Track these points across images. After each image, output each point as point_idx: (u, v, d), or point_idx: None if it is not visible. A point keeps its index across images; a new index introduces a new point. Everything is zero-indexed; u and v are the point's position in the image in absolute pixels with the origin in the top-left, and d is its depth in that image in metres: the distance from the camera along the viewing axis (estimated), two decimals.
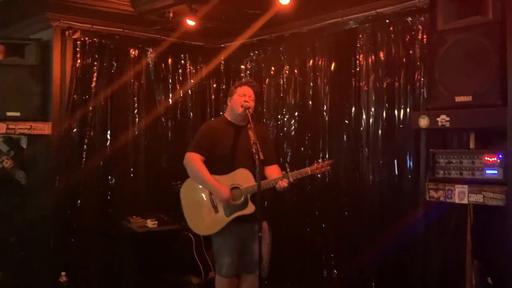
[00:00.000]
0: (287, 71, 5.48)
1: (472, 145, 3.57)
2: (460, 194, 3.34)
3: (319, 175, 4.18)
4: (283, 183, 3.78)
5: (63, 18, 5.09)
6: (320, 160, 3.96)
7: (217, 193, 3.87)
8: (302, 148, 5.30)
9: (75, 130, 5.21)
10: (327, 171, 3.96)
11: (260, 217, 3.56)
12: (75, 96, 5.19)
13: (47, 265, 5.08)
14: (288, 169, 3.84)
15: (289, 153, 5.41)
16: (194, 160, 3.94)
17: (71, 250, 5.15)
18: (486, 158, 3.30)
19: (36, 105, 5.01)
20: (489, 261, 3.55)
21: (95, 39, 5.33)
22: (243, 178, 3.89)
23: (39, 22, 5.20)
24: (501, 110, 3.19)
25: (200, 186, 4.00)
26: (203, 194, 3.99)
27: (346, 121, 4.90)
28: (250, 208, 3.85)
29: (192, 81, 6.10)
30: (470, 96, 3.35)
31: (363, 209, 4.70)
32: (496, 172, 3.26)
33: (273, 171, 4.01)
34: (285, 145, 5.45)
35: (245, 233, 3.93)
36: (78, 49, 5.20)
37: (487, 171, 3.29)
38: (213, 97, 6.27)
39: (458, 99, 3.40)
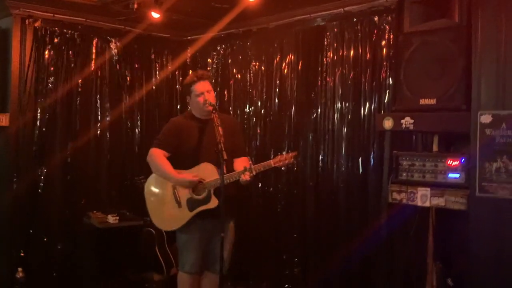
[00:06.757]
0: (254, 66, 5.42)
1: (435, 147, 3.58)
2: (423, 197, 3.36)
3: (283, 168, 4.08)
4: (246, 177, 3.72)
5: (24, 6, 4.92)
6: (284, 153, 3.90)
7: (182, 182, 3.84)
8: (267, 143, 5.27)
9: (34, 122, 5.05)
10: (291, 163, 3.83)
11: (223, 216, 3.48)
12: (34, 87, 5.02)
13: (4, 260, 4.95)
14: (250, 162, 3.81)
15: (255, 148, 5.36)
16: (156, 156, 3.94)
17: (29, 246, 5.02)
18: (449, 161, 3.32)
19: None
20: (450, 263, 3.59)
21: (56, 28, 5.16)
22: (207, 172, 3.83)
23: None
24: (464, 115, 3.20)
25: (163, 182, 3.96)
26: (166, 190, 3.95)
27: (313, 118, 4.87)
28: (214, 202, 3.78)
29: (158, 74, 5.97)
30: (435, 99, 3.37)
31: (328, 208, 4.69)
32: (458, 176, 3.28)
33: (241, 163, 3.94)
34: (251, 140, 5.39)
35: (209, 229, 3.86)
36: (38, 38, 5.03)
37: (450, 175, 3.32)
38: (179, 90, 6.13)
39: (423, 101, 3.42)
